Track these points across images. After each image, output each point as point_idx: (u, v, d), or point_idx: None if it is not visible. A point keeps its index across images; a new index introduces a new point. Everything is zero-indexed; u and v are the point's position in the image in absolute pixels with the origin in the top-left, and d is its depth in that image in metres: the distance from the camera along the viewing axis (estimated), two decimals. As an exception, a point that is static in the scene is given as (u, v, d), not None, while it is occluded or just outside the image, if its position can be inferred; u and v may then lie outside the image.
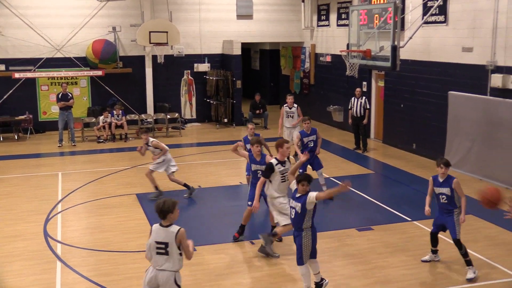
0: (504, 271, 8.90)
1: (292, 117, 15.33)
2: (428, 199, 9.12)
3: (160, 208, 6.47)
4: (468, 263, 8.63)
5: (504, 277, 8.70)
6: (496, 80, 13.50)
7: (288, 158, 9.44)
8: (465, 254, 8.61)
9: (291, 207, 7.99)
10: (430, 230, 10.59)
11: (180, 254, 6.48)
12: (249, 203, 10.06)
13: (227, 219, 11.62)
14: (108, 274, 8.93)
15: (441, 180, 8.81)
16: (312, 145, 12.78)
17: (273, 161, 9.27)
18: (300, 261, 7.88)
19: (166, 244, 6.41)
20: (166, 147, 12.89)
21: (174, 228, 6.44)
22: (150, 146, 12.80)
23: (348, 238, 10.40)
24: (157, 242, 6.45)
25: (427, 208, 9.07)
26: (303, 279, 7.97)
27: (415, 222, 11.18)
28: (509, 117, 13.18)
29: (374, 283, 8.56)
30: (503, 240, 10.14)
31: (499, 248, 9.74)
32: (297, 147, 12.60)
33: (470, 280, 8.49)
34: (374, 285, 8.48)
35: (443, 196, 8.80)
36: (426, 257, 9.28)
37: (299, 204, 7.74)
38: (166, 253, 6.44)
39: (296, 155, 13.06)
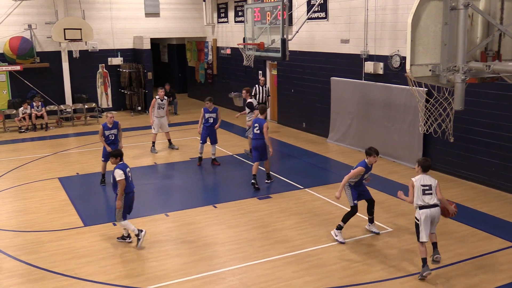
0: (379, 225, 9.40)
1: (163, 108, 14.95)
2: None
3: None
4: (371, 220, 9.13)
5: (381, 230, 9.20)
6: (368, 67, 14.06)
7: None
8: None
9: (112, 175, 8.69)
10: (319, 195, 11.04)
11: None
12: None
13: (143, 196, 11.47)
14: (35, 252, 8.54)
15: (370, 166, 8.67)
16: (212, 121, 13.37)
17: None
18: (122, 218, 8.68)
19: None
20: None
21: None
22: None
23: (250, 206, 10.54)
24: None
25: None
26: (128, 227, 8.73)
27: (306, 189, 11.50)
28: (380, 98, 13.80)
29: (274, 243, 8.76)
30: (378, 200, 10.64)
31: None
32: (200, 121, 13.40)
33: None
34: (274, 245, 8.67)
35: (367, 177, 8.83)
36: (340, 238, 8.74)
37: (112, 175, 8.69)
38: None
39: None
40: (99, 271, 7.89)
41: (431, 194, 7.34)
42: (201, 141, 13.52)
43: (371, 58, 14.11)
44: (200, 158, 13.61)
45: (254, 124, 11.70)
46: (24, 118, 18.55)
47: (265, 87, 17.20)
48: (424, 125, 6.98)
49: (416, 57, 6.11)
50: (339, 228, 8.75)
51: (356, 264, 7.93)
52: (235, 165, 13.70)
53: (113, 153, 8.90)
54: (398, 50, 13.17)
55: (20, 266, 8.04)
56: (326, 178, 12.48)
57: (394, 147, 13.43)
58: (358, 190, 8.77)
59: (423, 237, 7.32)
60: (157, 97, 14.97)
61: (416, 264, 7.86)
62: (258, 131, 11.64)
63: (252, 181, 11.63)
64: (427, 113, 6.96)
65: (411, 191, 7.40)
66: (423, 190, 7.33)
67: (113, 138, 12.02)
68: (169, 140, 15.51)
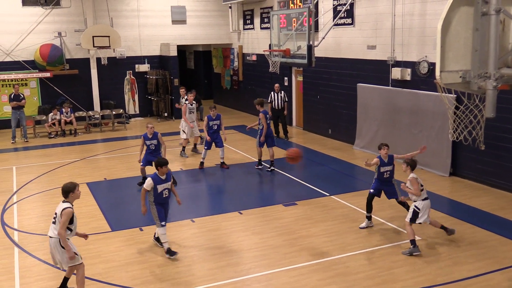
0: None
1: (194, 112, 15.43)
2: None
3: (63, 188, 7.09)
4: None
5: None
6: (396, 73, 13.91)
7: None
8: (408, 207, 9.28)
9: (165, 189, 8.50)
10: (345, 203, 10.93)
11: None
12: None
13: (170, 202, 11.50)
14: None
15: (385, 160, 9.34)
16: (216, 128, 13.83)
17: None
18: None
19: (56, 214, 7.02)
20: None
21: (65, 205, 6.98)
22: None
23: (275, 213, 10.50)
24: (55, 213, 7.07)
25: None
26: (164, 238, 8.60)
27: (332, 196, 11.41)
28: (407, 104, 13.63)
29: (299, 250, 8.70)
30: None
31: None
32: (205, 128, 13.78)
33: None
34: (300, 252, 8.61)
35: (388, 172, 9.41)
36: (363, 224, 9.59)
37: (169, 183, 8.58)
38: (54, 223, 7.01)
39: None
40: (126, 276, 7.94)
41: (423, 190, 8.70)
42: (205, 147, 13.93)
43: (398, 64, 13.96)
44: (201, 163, 14.01)
45: (267, 116, 13.28)
46: (53, 124, 18.89)
47: (281, 93, 17.25)
48: (454, 132, 6.86)
49: (446, 64, 6.00)
50: (367, 217, 9.55)
51: (383, 273, 7.81)
52: (260, 171, 13.67)
53: (164, 162, 8.56)
54: (426, 56, 13.01)
55: (49, 270, 8.14)
56: (353, 185, 12.35)
57: (422, 155, 13.08)
58: (382, 186, 9.42)
59: (420, 220, 8.56)
60: (187, 102, 15.16)
61: (446, 274, 7.71)
62: (269, 121, 13.40)
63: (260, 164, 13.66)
64: (457, 120, 6.84)
65: (416, 186, 8.50)
66: (422, 187, 8.60)
67: (153, 148, 12.14)
68: (195, 144, 15.71)
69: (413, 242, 8.45)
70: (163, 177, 8.49)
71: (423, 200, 8.58)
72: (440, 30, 5.92)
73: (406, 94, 13.65)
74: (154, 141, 12.17)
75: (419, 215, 8.54)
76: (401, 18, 13.66)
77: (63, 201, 7.05)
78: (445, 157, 12.57)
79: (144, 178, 12.43)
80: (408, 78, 13.64)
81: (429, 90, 12.84)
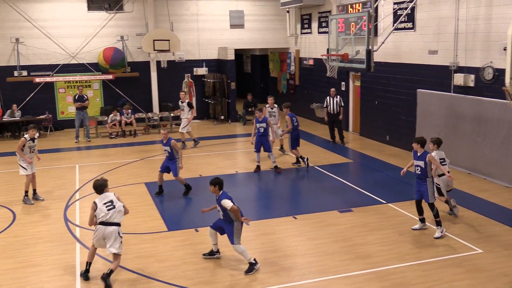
0: (467, 245, 8.93)
1: (275, 116, 15.49)
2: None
3: (100, 184, 7.79)
4: (438, 223, 9.26)
5: (469, 251, 8.73)
6: (458, 79, 13.47)
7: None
8: (436, 215, 9.23)
9: (217, 210, 8.27)
10: (402, 211, 10.67)
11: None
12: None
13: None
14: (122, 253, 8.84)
15: (418, 153, 9.27)
16: (263, 131, 13.66)
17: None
18: (237, 241, 8.17)
19: (112, 201, 7.73)
20: None
21: (110, 193, 7.87)
22: None
23: (330, 219, 10.37)
24: (109, 201, 7.73)
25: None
26: (245, 255, 8.16)
27: (389, 204, 11.15)
28: (470, 111, 13.16)
29: (355, 258, 8.54)
30: (467, 219, 10.15)
31: (465, 226, 9.74)
32: (253, 131, 13.87)
33: (437, 238, 9.15)
34: (355, 260, 8.46)
35: (419, 168, 9.29)
36: (416, 226, 9.68)
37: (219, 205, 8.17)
38: (114, 207, 7.72)
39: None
40: (181, 276, 8.04)
41: (446, 164, 9.76)
42: (255, 150, 13.91)
43: (461, 70, 13.50)
44: (258, 167, 13.97)
45: (292, 118, 14.03)
46: (114, 124, 19.46)
47: (337, 97, 17.06)
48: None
49: (515, 70, 5.76)
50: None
51: (442, 286, 7.54)
52: (315, 176, 13.56)
53: (211, 181, 8.16)
54: (491, 62, 12.52)
55: (107, 265, 8.34)
56: (410, 193, 11.92)
57: (485, 164, 12.73)
58: (418, 186, 9.39)
59: (444, 194, 9.89)
60: (267, 105, 15.36)
61: (509, 289, 7.38)
62: (296, 123, 14.12)
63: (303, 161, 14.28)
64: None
65: (438, 163, 9.26)
66: (441, 163, 9.56)
67: (167, 155, 11.95)
68: (281, 145, 16.12)
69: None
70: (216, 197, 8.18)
71: (439, 176, 9.69)
72: (510, 35, 5.69)
73: (469, 100, 13.18)
74: (168, 148, 11.86)
75: (441, 187, 9.79)
76: (465, 22, 13.22)
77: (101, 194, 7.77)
78: (510, 167, 12.03)
79: (160, 187, 12.17)
80: (472, 84, 13.17)
81: (494, 97, 12.35)
